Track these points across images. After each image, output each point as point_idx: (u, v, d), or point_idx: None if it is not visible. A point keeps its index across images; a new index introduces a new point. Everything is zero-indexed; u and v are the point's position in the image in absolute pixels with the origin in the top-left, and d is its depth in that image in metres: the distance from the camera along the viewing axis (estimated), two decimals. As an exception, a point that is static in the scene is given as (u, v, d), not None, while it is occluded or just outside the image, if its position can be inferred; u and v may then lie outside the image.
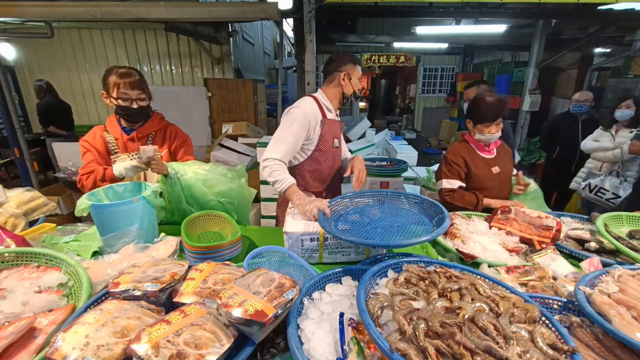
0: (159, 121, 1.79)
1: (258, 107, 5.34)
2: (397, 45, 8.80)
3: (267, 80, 8.33)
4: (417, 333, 0.66)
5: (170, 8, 3.38)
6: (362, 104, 12.33)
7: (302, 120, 1.62)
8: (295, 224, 1.29)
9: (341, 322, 0.80)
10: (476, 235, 1.44)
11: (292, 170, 1.77)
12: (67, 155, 3.67)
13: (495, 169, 1.92)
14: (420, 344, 0.64)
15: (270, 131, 5.91)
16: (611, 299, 0.86)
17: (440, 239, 1.39)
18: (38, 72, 5.61)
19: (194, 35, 5.02)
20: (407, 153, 4.31)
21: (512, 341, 0.67)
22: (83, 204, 1.29)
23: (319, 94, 1.77)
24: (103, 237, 1.26)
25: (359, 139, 4.77)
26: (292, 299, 0.76)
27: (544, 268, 1.16)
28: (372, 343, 0.73)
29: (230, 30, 5.36)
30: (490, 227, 1.53)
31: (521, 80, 6.18)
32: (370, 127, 5.22)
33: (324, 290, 0.96)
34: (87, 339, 0.65)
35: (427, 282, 0.90)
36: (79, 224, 1.59)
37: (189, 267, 0.93)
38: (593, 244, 1.35)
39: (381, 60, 9.54)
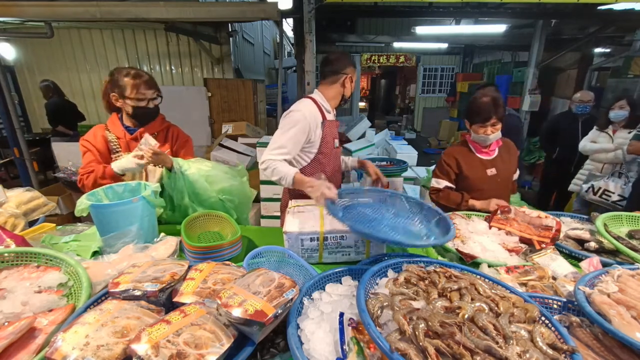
0: (162, 121, 1.79)
1: (258, 107, 5.34)
2: (397, 45, 8.80)
3: (267, 80, 8.32)
4: (417, 333, 0.66)
5: (170, 8, 3.38)
6: (362, 104, 12.32)
7: (302, 124, 1.61)
8: (295, 224, 1.29)
9: (341, 322, 0.80)
10: (476, 235, 1.44)
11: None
12: (67, 155, 3.67)
13: (491, 171, 1.91)
14: (420, 343, 0.64)
15: (270, 131, 5.91)
16: (611, 299, 0.86)
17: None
18: (38, 72, 5.61)
19: (194, 35, 5.02)
20: (407, 153, 4.31)
21: (511, 341, 0.67)
22: (83, 204, 1.29)
23: (317, 95, 1.75)
24: (103, 237, 1.26)
25: (359, 139, 4.77)
26: (292, 299, 0.76)
27: (543, 268, 1.16)
28: (372, 343, 0.73)
29: (230, 30, 5.36)
30: (490, 227, 1.53)
31: (521, 80, 6.19)
32: (370, 127, 5.21)
33: (324, 290, 0.96)
34: (87, 339, 0.65)
35: (427, 282, 0.90)
36: (79, 224, 1.59)
37: (189, 267, 0.93)
38: (593, 244, 1.35)
39: (381, 60, 9.55)
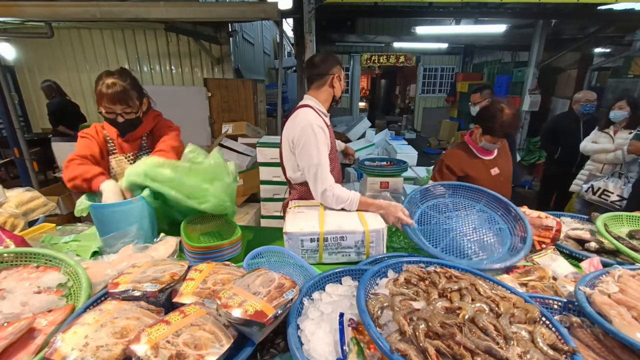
0: (153, 119, 1.69)
1: (258, 107, 5.34)
2: (397, 45, 8.79)
3: (267, 80, 8.32)
4: (417, 333, 0.66)
5: (170, 8, 3.37)
6: (362, 104, 12.32)
7: (322, 135, 1.54)
8: (295, 225, 1.29)
9: (341, 323, 0.80)
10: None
11: (304, 183, 1.67)
12: (67, 155, 3.66)
13: (494, 170, 1.93)
14: (421, 344, 0.64)
15: (270, 131, 5.92)
16: (611, 299, 0.86)
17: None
18: (38, 72, 5.61)
19: (194, 35, 5.02)
20: (407, 153, 4.31)
21: (512, 341, 0.67)
22: (82, 204, 1.29)
23: (311, 101, 1.67)
24: (102, 238, 1.25)
25: (359, 139, 4.77)
26: (291, 299, 0.76)
27: (544, 268, 1.16)
28: (372, 343, 0.73)
29: (230, 30, 5.36)
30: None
31: (521, 80, 6.19)
32: (370, 127, 5.22)
33: (324, 290, 0.96)
34: (87, 340, 0.64)
35: (427, 282, 0.90)
36: (79, 224, 1.59)
37: (189, 268, 0.93)
38: (593, 244, 1.34)
39: (381, 60, 9.55)
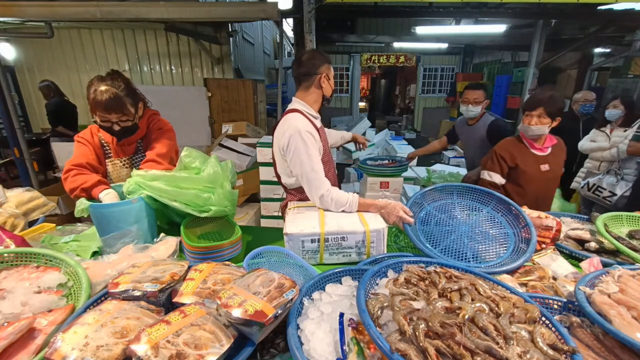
0: (147, 120, 1.67)
1: (258, 107, 5.34)
2: (397, 45, 8.80)
3: (267, 80, 8.32)
4: (417, 333, 0.66)
5: (170, 8, 3.38)
6: (362, 104, 12.32)
7: (311, 141, 1.51)
8: (296, 225, 1.29)
9: (341, 323, 0.80)
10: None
11: (301, 188, 1.62)
12: (67, 155, 3.65)
13: (544, 167, 1.96)
14: (421, 344, 0.64)
15: (270, 131, 5.91)
16: (611, 299, 0.86)
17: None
18: (38, 72, 5.61)
19: (194, 35, 5.02)
20: (407, 153, 4.31)
21: (512, 341, 0.67)
22: (82, 204, 1.29)
23: (300, 105, 1.60)
24: (102, 238, 1.25)
25: (358, 139, 4.77)
26: (291, 299, 0.76)
27: (544, 268, 1.16)
28: (372, 343, 0.73)
29: (230, 30, 5.36)
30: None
31: (521, 80, 6.19)
32: (370, 127, 5.23)
33: (324, 290, 0.96)
34: (87, 340, 0.65)
35: (427, 282, 0.90)
36: (79, 224, 1.59)
37: (189, 268, 0.93)
38: (593, 244, 1.34)
39: (381, 60, 9.56)
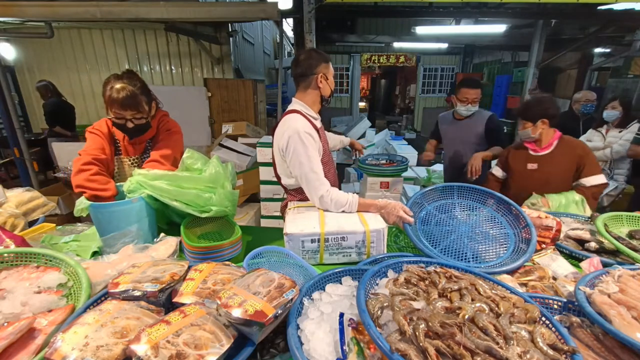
0: (157, 121, 1.68)
1: (258, 107, 5.34)
2: (397, 45, 8.80)
3: (267, 80, 8.32)
4: (417, 333, 0.66)
5: (170, 8, 3.38)
6: (362, 104, 12.32)
7: (310, 142, 1.51)
8: (296, 225, 1.29)
9: (341, 323, 0.80)
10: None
11: (300, 188, 1.61)
12: (67, 155, 3.67)
13: (532, 166, 1.99)
14: (421, 344, 0.64)
15: (270, 131, 5.91)
16: (611, 299, 0.86)
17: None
18: (38, 72, 5.61)
19: (194, 35, 5.02)
20: (407, 153, 4.32)
21: (512, 341, 0.67)
22: (82, 203, 1.29)
23: (299, 106, 1.60)
24: (102, 238, 1.25)
25: (359, 139, 4.78)
26: (291, 299, 0.76)
27: (544, 268, 1.16)
28: (372, 343, 0.73)
29: (230, 30, 5.36)
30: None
31: (521, 80, 6.19)
32: (370, 127, 5.23)
33: (324, 290, 0.96)
34: (87, 340, 0.65)
35: (427, 282, 0.90)
36: (79, 224, 1.59)
37: (189, 268, 0.93)
38: (593, 244, 1.34)
39: (381, 60, 9.55)
